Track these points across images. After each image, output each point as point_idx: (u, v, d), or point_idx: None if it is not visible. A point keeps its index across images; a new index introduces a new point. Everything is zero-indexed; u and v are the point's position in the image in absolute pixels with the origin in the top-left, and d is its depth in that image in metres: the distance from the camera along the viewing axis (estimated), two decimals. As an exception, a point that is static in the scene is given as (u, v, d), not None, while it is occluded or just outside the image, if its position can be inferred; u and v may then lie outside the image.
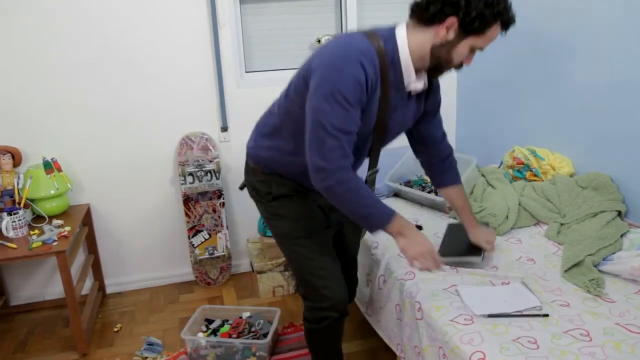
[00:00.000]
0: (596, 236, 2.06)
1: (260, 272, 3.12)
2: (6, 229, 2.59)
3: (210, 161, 3.15)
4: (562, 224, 2.28)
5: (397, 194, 2.92)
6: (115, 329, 2.89)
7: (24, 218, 2.65)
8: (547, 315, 1.64)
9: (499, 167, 2.91)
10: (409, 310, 1.89)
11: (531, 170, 2.67)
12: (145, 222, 3.27)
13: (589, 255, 1.96)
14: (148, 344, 2.66)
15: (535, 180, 2.64)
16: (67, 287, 2.50)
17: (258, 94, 3.22)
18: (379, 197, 2.85)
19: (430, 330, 1.71)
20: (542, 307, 1.70)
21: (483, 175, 2.77)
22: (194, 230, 3.20)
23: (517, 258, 2.09)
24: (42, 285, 3.19)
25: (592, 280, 1.83)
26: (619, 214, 2.24)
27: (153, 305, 3.16)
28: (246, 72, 3.26)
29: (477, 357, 1.45)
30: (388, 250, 2.23)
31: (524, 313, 1.66)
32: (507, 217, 2.37)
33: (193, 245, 3.22)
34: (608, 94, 2.36)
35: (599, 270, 1.93)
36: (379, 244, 2.31)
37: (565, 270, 1.93)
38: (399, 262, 2.11)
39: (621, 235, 2.07)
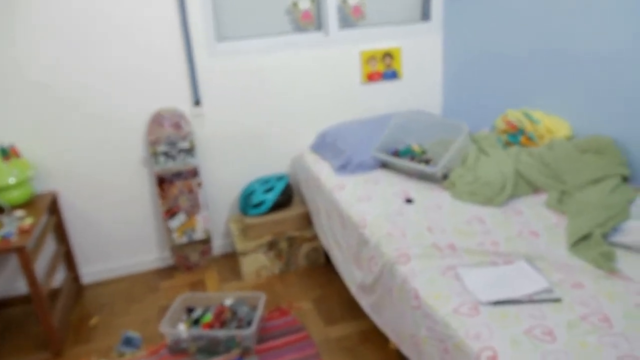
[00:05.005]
0: (602, 205, 1.91)
1: (243, 254, 2.94)
2: (-39, 224, 2.37)
3: (184, 138, 2.92)
4: (563, 192, 2.12)
5: (384, 165, 2.73)
6: (92, 323, 2.71)
7: (-20, 211, 2.42)
8: (559, 300, 1.49)
9: (489, 132, 2.73)
10: (404, 296, 1.73)
11: (526, 135, 2.50)
12: (118, 206, 3.05)
13: (597, 226, 1.80)
14: (126, 339, 2.49)
15: (530, 145, 2.47)
16: (32, 286, 2.30)
17: (233, 64, 2.99)
18: (365, 170, 2.68)
19: (430, 321, 1.55)
20: (552, 289, 1.54)
21: (475, 142, 2.60)
22: (170, 213, 3.00)
23: (518, 232, 1.93)
24: (12, 279, 2.98)
25: (601, 254, 1.69)
26: (623, 179, 2.09)
27: (132, 294, 2.98)
28: (219, 40, 3.00)
29: (486, 356, 1.29)
30: (378, 229, 2.06)
31: (534, 298, 1.51)
32: (504, 186, 2.21)
33: (170, 229, 3.02)
34: (605, 51, 2.18)
35: (609, 243, 1.78)
36: (367, 222, 2.14)
37: (572, 245, 1.77)
38: (390, 242, 1.94)
39: (628, 203, 1.92)
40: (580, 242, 1.78)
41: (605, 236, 1.79)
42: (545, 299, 1.50)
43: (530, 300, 1.51)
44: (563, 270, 1.66)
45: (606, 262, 1.65)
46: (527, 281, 1.59)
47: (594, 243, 1.74)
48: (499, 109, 2.83)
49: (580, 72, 2.34)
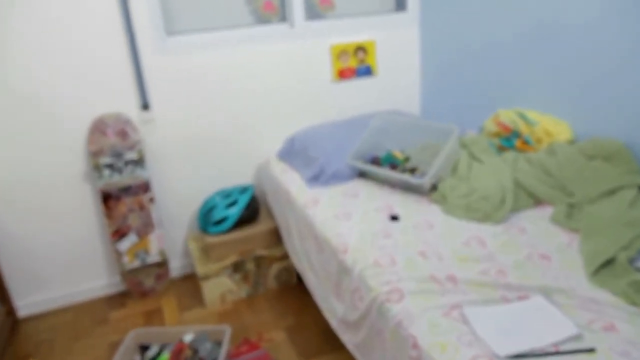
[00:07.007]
0: (621, 221, 1.64)
1: (204, 278, 2.59)
2: None
3: (131, 148, 2.55)
4: (571, 205, 1.85)
5: (363, 174, 2.42)
6: (27, 367, 2.33)
7: None
8: (593, 350, 1.20)
9: (479, 135, 2.45)
10: (399, 343, 1.43)
11: (521, 138, 2.23)
12: (57, 228, 2.65)
13: (621, 249, 1.53)
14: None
15: (527, 151, 2.20)
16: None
17: (186, 61, 2.63)
18: (341, 181, 2.36)
19: (436, 380, 1.25)
20: (581, 334, 1.26)
21: (464, 147, 2.31)
22: (118, 234, 2.62)
23: (527, 256, 1.64)
24: None
25: (631, 284, 1.41)
26: None
27: (77, 328, 2.59)
28: (169, 35, 2.63)
29: None
30: (362, 256, 1.74)
31: (561, 348, 1.22)
32: (503, 199, 1.92)
33: (119, 252, 2.64)
34: (608, 37, 1.92)
35: (636, 269, 1.51)
36: (348, 246, 1.82)
37: (593, 273, 1.50)
38: (377, 273, 1.63)
39: (650, 218, 1.66)
40: (601, 268, 1.51)
41: (631, 261, 1.52)
42: (576, 349, 1.21)
43: (557, 351, 1.22)
44: (588, 306, 1.38)
45: (638, 296, 1.37)
46: (550, 324, 1.30)
47: (620, 270, 1.47)
48: (487, 109, 2.56)
49: (579, 66, 2.07)
